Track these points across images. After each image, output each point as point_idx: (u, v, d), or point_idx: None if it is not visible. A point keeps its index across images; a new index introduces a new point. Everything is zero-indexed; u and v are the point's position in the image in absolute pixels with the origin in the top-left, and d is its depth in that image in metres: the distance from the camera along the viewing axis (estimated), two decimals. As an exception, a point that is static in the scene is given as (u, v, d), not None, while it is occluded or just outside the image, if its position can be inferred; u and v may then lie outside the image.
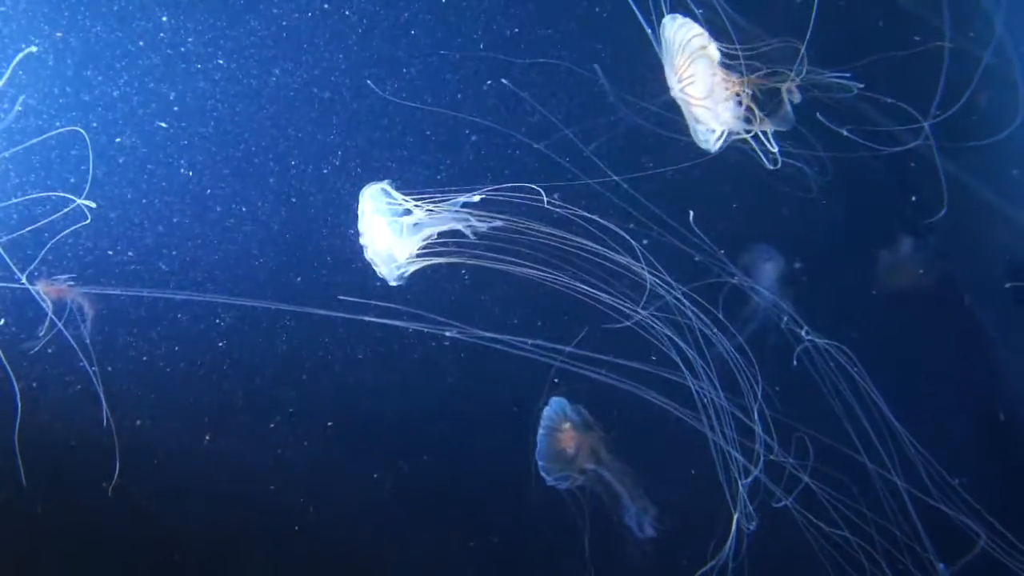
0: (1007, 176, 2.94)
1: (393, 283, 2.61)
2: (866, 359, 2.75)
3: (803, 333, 2.71)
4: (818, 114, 2.62)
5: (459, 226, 2.55)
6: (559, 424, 2.75)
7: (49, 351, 2.53)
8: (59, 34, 2.50)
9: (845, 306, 2.93)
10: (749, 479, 2.65)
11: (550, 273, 2.63)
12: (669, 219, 2.68)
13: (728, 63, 2.51)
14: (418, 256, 2.57)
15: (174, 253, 2.60)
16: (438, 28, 2.69)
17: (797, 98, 2.52)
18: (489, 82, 2.71)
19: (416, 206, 2.56)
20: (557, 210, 2.59)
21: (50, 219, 2.50)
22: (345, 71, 2.65)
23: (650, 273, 2.64)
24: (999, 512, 2.70)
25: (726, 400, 2.68)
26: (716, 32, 2.55)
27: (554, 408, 2.76)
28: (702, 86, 2.45)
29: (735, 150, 2.61)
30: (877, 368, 2.76)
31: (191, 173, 2.61)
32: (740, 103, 2.48)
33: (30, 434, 2.50)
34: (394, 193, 2.57)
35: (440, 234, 2.58)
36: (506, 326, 2.73)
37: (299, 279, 2.67)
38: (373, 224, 2.55)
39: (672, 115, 2.67)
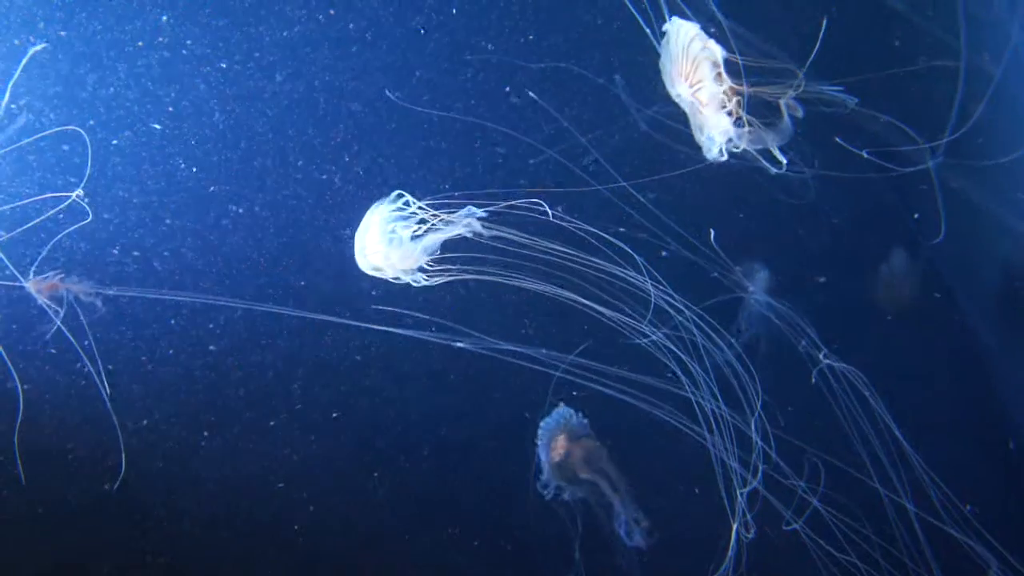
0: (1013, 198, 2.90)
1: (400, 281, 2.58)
2: (877, 380, 2.72)
3: (821, 356, 2.68)
4: (838, 138, 2.62)
5: (463, 231, 2.52)
6: (555, 434, 2.74)
7: (52, 351, 2.52)
8: (62, 33, 2.49)
9: (856, 326, 2.90)
10: (748, 488, 2.62)
11: (554, 283, 2.61)
12: (684, 232, 2.67)
13: (730, 72, 2.50)
14: (421, 270, 2.55)
15: (166, 254, 2.59)
16: (445, 35, 2.67)
17: (799, 112, 2.50)
18: (502, 89, 2.70)
19: (419, 216, 2.53)
20: (563, 223, 2.57)
21: (44, 217, 2.49)
22: (350, 77, 2.63)
23: (656, 287, 2.59)
24: (1011, 542, 2.65)
25: (728, 412, 2.66)
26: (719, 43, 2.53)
27: (552, 418, 2.75)
28: (706, 92, 2.44)
29: (739, 160, 2.58)
30: (887, 389, 2.73)
31: (190, 174, 2.59)
32: (733, 113, 2.47)
33: (30, 433, 2.51)
34: (398, 205, 2.55)
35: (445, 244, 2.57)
36: (510, 335, 2.71)
37: (302, 282, 2.65)
38: (372, 238, 2.54)
39: (679, 125, 2.64)
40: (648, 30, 2.51)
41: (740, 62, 2.45)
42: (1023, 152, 2.73)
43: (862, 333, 2.90)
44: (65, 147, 2.50)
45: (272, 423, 2.69)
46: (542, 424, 2.75)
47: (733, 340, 2.68)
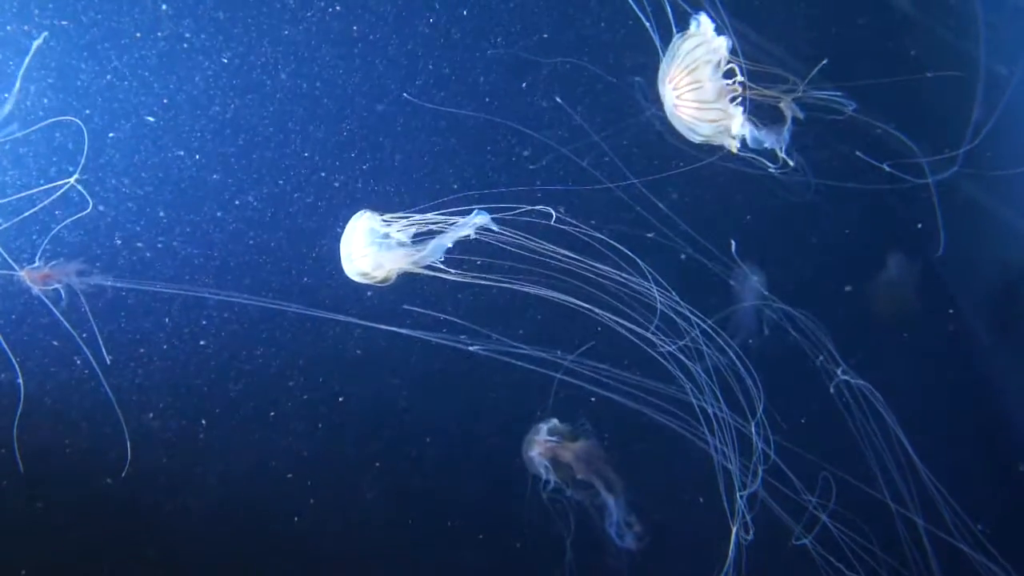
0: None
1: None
2: (889, 394, 2.69)
3: (839, 372, 2.65)
4: (858, 152, 2.60)
5: (470, 232, 2.48)
6: (538, 436, 2.74)
7: (55, 343, 2.50)
8: (64, 22, 2.45)
9: (870, 338, 2.85)
10: (747, 492, 2.59)
11: (561, 286, 2.58)
12: (700, 238, 2.66)
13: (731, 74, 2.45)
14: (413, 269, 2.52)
15: (159, 246, 2.56)
16: (454, 32, 2.64)
17: (799, 115, 2.47)
18: (511, 87, 2.67)
19: (409, 221, 2.51)
20: (571, 228, 2.53)
21: (41, 206, 2.46)
22: (356, 75, 2.61)
23: (665, 294, 2.55)
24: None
25: (730, 414, 2.63)
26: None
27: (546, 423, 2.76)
28: (705, 92, 2.40)
29: (753, 167, 2.55)
30: (899, 402, 2.70)
31: (187, 166, 2.56)
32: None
33: (31, 422, 2.49)
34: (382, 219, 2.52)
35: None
36: (513, 335, 2.68)
37: (305, 279, 2.63)
38: (358, 244, 2.51)
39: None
40: (648, 25, 2.48)
41: (743, 64, 2.42)
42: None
43: (875, 345, 2.85)
44: (58, 135, 2.47)
45: (273, 413, 2.66)
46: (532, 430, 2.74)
47: (734, 343, 2.66)
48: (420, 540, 2.77)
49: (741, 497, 2.58)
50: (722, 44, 2.36)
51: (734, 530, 2.56)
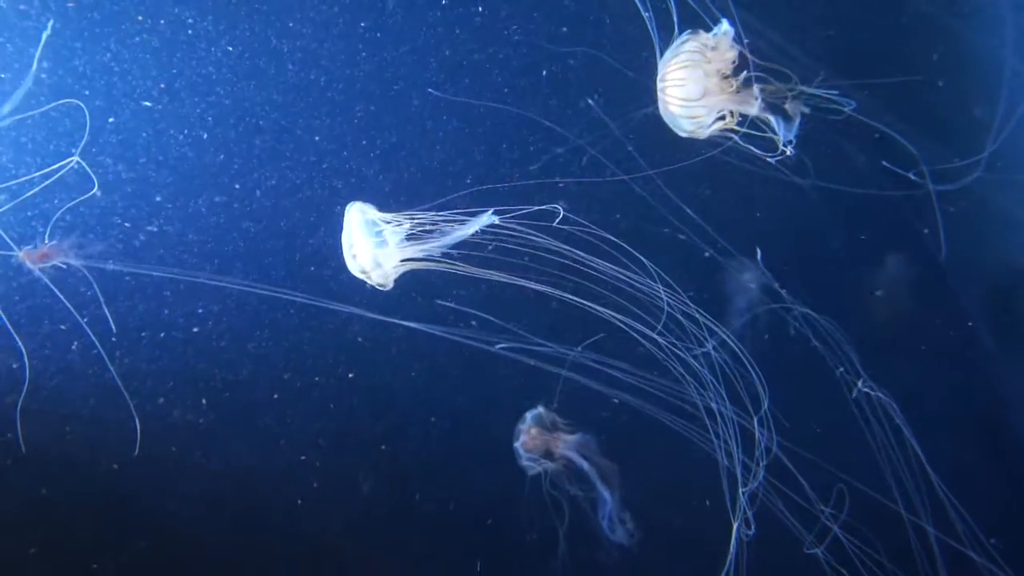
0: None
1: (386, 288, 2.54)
2: (906, 402, 2.64)
3: (859, 384, 2.60)
4: (884, 162, 2.56)
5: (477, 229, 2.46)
6: (526, 428, 2.72)
7: (62, 327, 2.50)
8: (71, 4, 2.44)
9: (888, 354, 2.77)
10: (748, 488, 2.56)
11: (570, 284, 2.55)
12: (720, 239, 2.62)
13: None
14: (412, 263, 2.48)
15: (154, 229, 2.55)
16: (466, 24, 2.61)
17: (801, 111, 2.43)
18: (524, 79, 2.64)
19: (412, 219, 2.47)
20: (573, 227, 2.50)
21: (40, 187, 2.45)
22: (366, 65, 2.59)
23: (679, 298, 2.47)
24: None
25: (733, 409, 2.59)
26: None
27: (530, 415, 2.73)
28: (689, 90, 2.39)
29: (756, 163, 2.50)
30: (911, 412, 2.63)
31: (187, 151, 2.54)
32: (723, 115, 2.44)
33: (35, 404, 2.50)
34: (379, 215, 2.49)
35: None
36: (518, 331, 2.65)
37: (312, 268, 2.61)
38: (362, 239, 2.47)
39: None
40: (648, 22, 2.44)
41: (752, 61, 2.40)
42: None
43: (892, 353, 2.78)
44: (56, 115, 2.46)
45: (276, 395, 2.65)
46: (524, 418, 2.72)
47: (733, 336, 2.61)
48: (421, 525, 2.76)
49: (743, 494, 2.55)
50: (721, 47, 2.36)
51: (735, 527, 2.54)
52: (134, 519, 2.61)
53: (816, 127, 2.48)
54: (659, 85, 2.43)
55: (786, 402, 2.61)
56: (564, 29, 2.61)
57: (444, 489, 2.74)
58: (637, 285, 2.50)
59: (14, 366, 2.48)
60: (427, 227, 2.46)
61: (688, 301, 2.51)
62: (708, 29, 2.42)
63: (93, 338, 2.51)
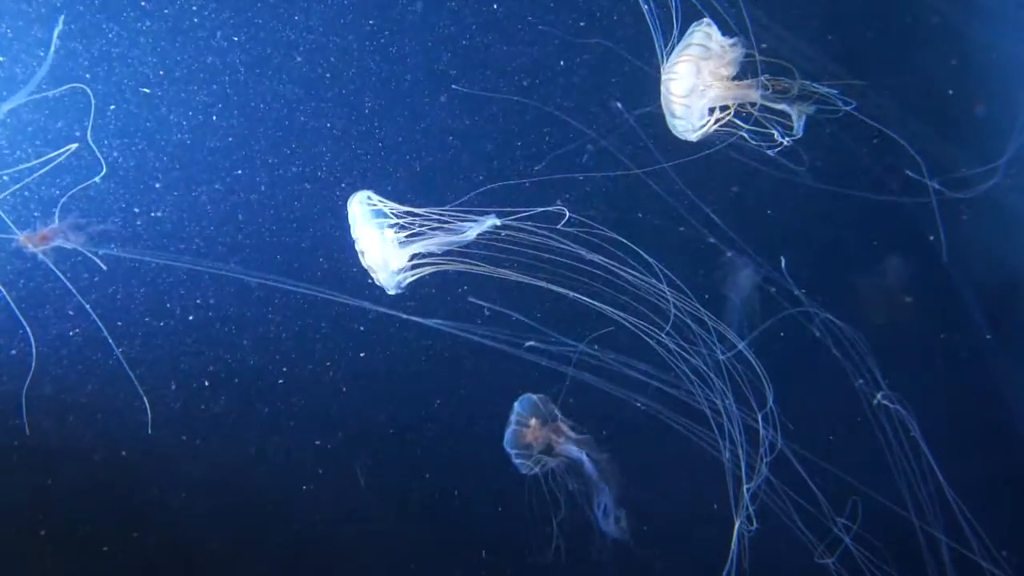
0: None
1: (391, 292, 2.51)
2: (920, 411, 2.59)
3: (879, 396, 2.58)
4: (908, 172, 2.52)
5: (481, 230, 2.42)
6: (526, 419, 2.68)
7: (69, 312, 2.50)
8: None
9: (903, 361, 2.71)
10: (752, 485, 2.54)
11: (582, 284, 2.50)
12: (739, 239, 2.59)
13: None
14: (418, 264, 2.46)
15: (158, 215, 2.53)
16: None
17: (809, 110, 2.38)
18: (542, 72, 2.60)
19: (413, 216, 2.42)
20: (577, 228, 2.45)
21: (42, 171, 2.43)
22: (376, 57, 2.56)
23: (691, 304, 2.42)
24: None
25: (737, 406, 2.56)
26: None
27: (523, 404, 2.69)
28: (680, 84, 2.36)
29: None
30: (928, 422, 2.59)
31: (187, 139, 2.52)
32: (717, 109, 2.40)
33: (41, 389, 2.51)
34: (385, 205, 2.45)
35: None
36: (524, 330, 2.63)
37: (322, 259, 2.59)
38: (367, 232, 2.43)
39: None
40: (650, 20, 2.40)
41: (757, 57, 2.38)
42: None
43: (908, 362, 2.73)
44: (61, 100, 2.42)
45: (282, 381, 2.64)
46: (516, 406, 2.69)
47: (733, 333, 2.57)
48: (423, 517, 2.77)
49: (747, 491, 2.53)
50: (727, 55, 2.32)
51: (737, 524, 2.53)
52: (143, 503, 2.62)
53: (832, 131, 2.47)
54: (663, 76, 2.39)
55: (794, 403, 2.58)
56: (582, 24, 2.57)
57: (448, 481, 2.74)
58: (644, 284, 2.44)
59: (12, 352, 2.49)
60: (433, 225, 2.42)
61: (699, 305, 2.47)
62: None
63: (100, 324, 2.50)
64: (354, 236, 2.44)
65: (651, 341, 2.52)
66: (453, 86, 2.54)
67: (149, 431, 2.54)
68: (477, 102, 2.56)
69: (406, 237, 2.40)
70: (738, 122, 2.35)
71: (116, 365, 2.52)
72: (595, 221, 2.44)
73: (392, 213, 2.41)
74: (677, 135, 2.43)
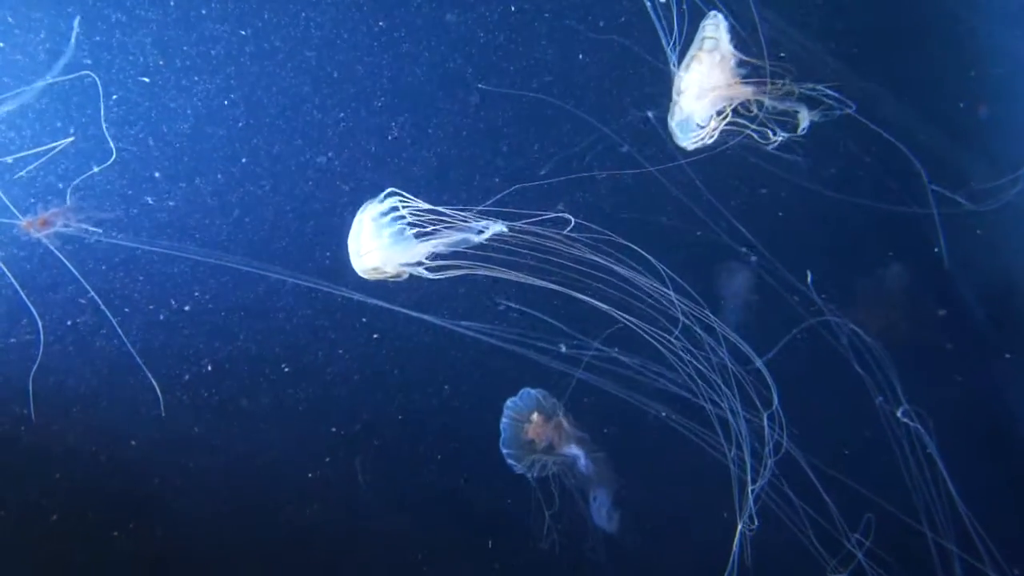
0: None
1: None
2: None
3: (899, 413, 2.54)
4: (932, 185, 2.48)
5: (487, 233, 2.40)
6: (527, 415, 2.66)
7: (81, 300, 2.50)
8: None
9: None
10: (758, 486, 2.53)
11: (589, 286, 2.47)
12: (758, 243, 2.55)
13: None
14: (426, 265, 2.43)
15: (168, 204, 2.52)
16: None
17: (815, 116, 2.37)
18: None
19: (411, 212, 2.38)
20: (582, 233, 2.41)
21: (43, 159, 2.42)
22: (383, 59, 2.53)
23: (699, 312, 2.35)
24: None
25: (744, 410, 2.54)
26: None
27: (523, 399, 2.66)
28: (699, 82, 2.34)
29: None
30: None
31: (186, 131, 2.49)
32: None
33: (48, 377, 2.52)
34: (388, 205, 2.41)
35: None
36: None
37: (328, 254, 2.56)
38: (367, 239, 2.42)
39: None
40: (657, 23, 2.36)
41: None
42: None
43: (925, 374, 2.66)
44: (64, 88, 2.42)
45: (287, 368, 2.62)
46: (510, 403, 2.66)
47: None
48: (425, 512, 2.76)
49: (752, 492, 2.52)
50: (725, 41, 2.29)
51: (739, 526, 2.51)
52: (150, 491, 2.63)
53: (846, 140, 2.43)
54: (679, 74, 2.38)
55: (809, 410, 2.55)
56: (601, 23, 2.52)
57: (454, 471, 2.72)
58: (655, 289, 2.39)
59: (26, 338, 2.50)
60: (442, 225, 2.39)
61: (710, 313, 2.42)
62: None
63: (107, 313, 2.50)
64: (357, 244, 2.43)
65: (657, 344, 2.49)
66: (472, 85, 2.53)
67: (163, 413, 2.55)
68: (490, 100, 2.54)
69: (413, 237, 2.36)
70: (750, 125, 2.32)
71: (118, 354, 2.52)
72: (606, 221, 2.41)
73: (401, 214, 2.36)
74: (679, 140, 2.40)
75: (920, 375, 2.61)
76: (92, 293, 2.49)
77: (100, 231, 2.49)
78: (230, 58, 2.45)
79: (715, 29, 2.28)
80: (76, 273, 2.47)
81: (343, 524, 2.73)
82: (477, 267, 2.43)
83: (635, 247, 2.41)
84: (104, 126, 2.41)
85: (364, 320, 2.61)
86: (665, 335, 2.43)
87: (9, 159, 2.42)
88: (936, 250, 2.57)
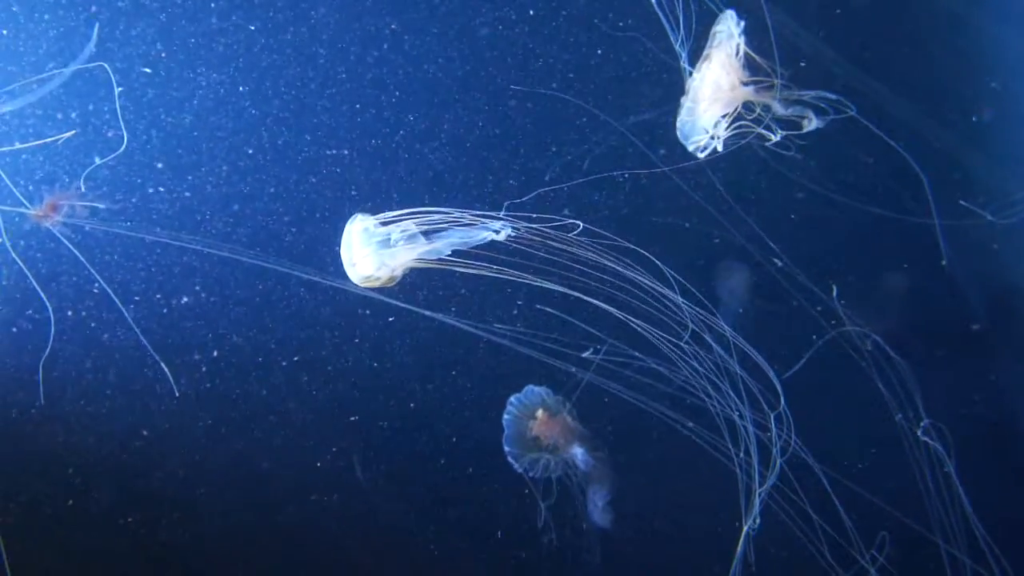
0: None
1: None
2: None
3: (919, 432, 2.51)
4: (962, 201, 2.48)
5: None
6: (532, 411, 2.64)
7: (94, 290, 2.51)
8: None
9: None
10: (764, 488, 2.52)
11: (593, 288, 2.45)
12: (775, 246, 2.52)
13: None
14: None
15: (168, 194, 2.52)
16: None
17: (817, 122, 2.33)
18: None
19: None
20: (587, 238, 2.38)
21: (40, 144, 2.44)
22: (394, 57, 2.52)
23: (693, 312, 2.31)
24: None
25: (749, 411, 2.51)
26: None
27: (527, 395, 2.64)
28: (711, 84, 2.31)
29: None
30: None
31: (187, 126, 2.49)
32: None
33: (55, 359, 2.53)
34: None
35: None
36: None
37: (335, 249, 2.53)
38: (358, 248, 2.40)
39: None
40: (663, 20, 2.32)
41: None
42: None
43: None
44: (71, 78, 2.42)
45: (289, 362, 2.63)
46: (514, 399, 2.64)
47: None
48: (427, 509, 2.77)
49: (759, 494, 2.51)
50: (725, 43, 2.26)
51: (745, 528, 2.51)
52: (159, 481, 2.65)
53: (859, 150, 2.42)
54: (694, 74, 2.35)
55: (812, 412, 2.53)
56: (621, 23, 2.50)
57: (453, 472, 2.72)
58: (657, 293, 2.35)
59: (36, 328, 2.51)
60: (446, 225, 2.37)
61: (724, 323, 2.42)
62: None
63: (118, 302, 2.51)
64: (349, 254, 2.41)
65: (667, 348, 2.46)
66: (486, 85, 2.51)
67: (176, 394, 2.57)
68: (500, 99, 2.52)
69: (414, 239, 2.34)
70: (755, 127, 2.30)
71: (129, 344, 2.53)
72: (622, 223, 2.40)
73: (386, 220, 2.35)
74: (686, 143, 2.37)
75: (938, 389, 2.57)
76: (102, 283, 2.50)
77: (119, 220, 2.50)
78: (235, 53, 2.45)
79: (727, 33, 2.23)
80: (86, 264, 2.49)
81: (349, 513, 2.73)
82: (481, 267, 2.41)
83: (643, 251, 2.38)
84: (119, 114, 2.42)
85: (367, 312, 2.60)
86: (675, 340, 2.40)
87: (17, 145, 2.43)
88: (944, 262, 2.55)
